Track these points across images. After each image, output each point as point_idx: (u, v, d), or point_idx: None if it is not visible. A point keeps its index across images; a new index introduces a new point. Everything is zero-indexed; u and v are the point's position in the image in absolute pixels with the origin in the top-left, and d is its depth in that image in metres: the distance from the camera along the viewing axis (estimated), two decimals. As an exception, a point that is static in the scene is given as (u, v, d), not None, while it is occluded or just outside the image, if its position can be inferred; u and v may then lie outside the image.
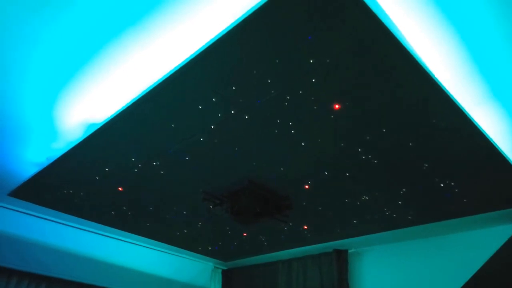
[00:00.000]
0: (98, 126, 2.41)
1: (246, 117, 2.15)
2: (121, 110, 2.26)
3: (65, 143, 2.64)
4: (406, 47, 1.66)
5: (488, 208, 2.86)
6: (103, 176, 2.94)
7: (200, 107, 2.11)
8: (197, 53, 1.82)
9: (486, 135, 2.13)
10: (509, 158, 2.30)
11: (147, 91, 2.08)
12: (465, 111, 1.99)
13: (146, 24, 1.78)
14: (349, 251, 4.00)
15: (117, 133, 2.44)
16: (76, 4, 1.67)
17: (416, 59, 1.72)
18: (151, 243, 4.47)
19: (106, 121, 2.37)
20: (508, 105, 2.04)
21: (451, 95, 1.91)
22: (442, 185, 2.62)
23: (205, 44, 1.79)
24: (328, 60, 1.75)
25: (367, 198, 2.93)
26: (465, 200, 2.78)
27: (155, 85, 2.04)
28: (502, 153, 2.24)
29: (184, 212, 3.49)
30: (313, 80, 1.86)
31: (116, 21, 1.76)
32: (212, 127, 2.27)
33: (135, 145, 2.54)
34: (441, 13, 1.60)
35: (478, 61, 1.82)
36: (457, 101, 1.94)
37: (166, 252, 4.70)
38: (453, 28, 1.67)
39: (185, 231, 3.99)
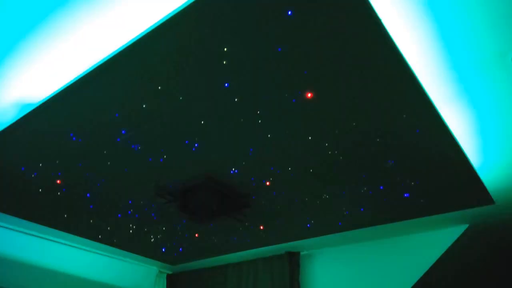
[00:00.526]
0: (34, 107, 2.09)
1: (210, 102, 1.96)
2: (63, 87, 1.96)
3: (-8, 125, 2.27)
4: (390, 38, 1.58)
5: (443, 209, 2.91)
6: (38, 166, 2.58)
7: (159, 87, 1.89)
8: (158, 24, 1.60)
9: (453, 135, 2.13)
10: (470, 160, 2.32)
11: (97, 65, 1.82)
12: (436, 108, 1.97)
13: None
14: (301, 253, 3.94)
15: (57, 115, 2.13)
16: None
17: (398, 52, 1.64)
18: (90, 244, 4.05)
19: (44, 100, 2.05)
20: (475, 105, 2.04)
21: (425, 90, 1.87)
22: (402, 184, 2.61)
23: (167, 15, 1.57)
24: (305, 43, 1.61)
25: (327, 196, 2.86)
26: (422, 201, 2.81)
27: (106, 59, 1.78)
28: (465, 155, 2.26)
29: (131, 210, 3.20)
30: (288, 64, 1.72)
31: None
32: (171, 112, 2.05)
33: (79, 130, 2.24)
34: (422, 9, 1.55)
35: (451, 59, 1.79)
36: (430, 97, 1.91)
37: (106, 255, 4.31)
38: (431, 22, 1.62)
39: (130, 231, 3.68)
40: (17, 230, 3.61)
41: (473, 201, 2.73)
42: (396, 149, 2.28)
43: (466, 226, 3.17)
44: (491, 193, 2.61)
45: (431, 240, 3.33)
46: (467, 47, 1.72)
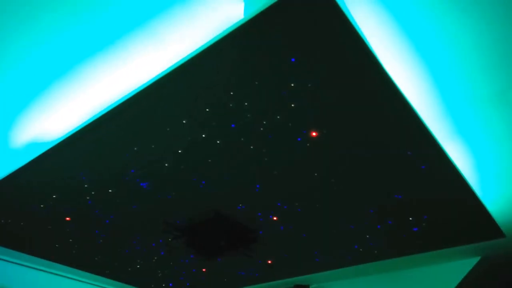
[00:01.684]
0: (49, 147, 2.14)
1: (218, 142, 2.00)
2: (77, 129, 2.03)
3: (7, 164, 2.33)
4: (391, 79, 1.63)
5: (453, 243, 2.87)
6: (50, 204, 2.62)
7: (168, 129, 1.94)
8: (169, 70, 1.67)
9: (459, 170, 2.13)
10: (477, 194, 2.31)
11: (110, 109, 1.88)
12: (441, 145, 1.99)
13: (115, 40, 1.63)
14: (311, 286, 3.87)
15: (70, 155, 2.18)
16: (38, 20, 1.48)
17: (401, 93, 1.69)
18: (97, 279, 4.04)
19: (57, 142, 2.11)
20: (478, 141, 2.07)
21: (428, 127, 1.89)
22: (411, 218, 2.59)
23: (178, 62, 1.65)
24: (309, 85, 1.67)
25: (335, 231, 2.83)
26: (431, 235, 2.77)
27: (118, 103, 1.85)
28: (472, 189, 2.25)
29: (139, 246, 3.19)
30: (292, 105, 1.77)
31: (83, 35, 1.60)
32: (180, 151, 2.09)
33: (89, 170, 2.29)
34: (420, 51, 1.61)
35: (451, 100, 1.84)
36: (433, 134, 1.93)
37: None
38: (430, 66, 1.68)
39: (138, 266, 3.65)
40: (27, 266, 3.63)
41: (484, 235, 2.70)
42: (402, 184, 2.28)
43: (478, 258, 3.11)
44: (501, 227, 2.58)
45: (443, 273, 3.26)
46: (465, 88, 1.77)
